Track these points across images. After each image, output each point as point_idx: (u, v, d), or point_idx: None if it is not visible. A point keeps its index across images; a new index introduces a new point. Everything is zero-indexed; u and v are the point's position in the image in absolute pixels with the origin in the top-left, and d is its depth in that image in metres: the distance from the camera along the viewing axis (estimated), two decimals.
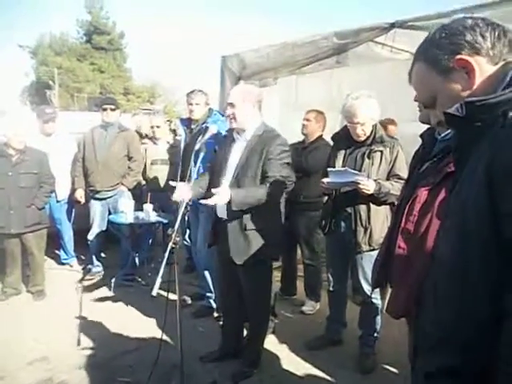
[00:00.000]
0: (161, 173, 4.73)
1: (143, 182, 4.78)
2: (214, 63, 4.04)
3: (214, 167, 2.78)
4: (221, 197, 2.34)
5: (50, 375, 2.80)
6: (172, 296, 2.43)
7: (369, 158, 2.73)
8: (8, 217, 3.82)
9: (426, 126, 1.72)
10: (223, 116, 3.63)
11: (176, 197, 2.56)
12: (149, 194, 4.29)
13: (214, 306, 3.70)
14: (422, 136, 1.72)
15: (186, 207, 2.51)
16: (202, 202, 2.38)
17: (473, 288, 0.82)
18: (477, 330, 0.82)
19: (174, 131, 5.17)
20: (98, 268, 4.70)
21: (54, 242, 4.75)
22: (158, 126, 4.74)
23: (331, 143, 3.10)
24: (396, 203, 1.93)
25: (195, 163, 2.56)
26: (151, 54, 52.71)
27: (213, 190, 2.34)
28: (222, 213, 2.66)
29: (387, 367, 2.89)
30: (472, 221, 0.83)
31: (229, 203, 2.38)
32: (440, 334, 0.89)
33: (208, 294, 3.73)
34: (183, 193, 2.53)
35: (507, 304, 0.77)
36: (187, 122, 3.79)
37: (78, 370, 2.87)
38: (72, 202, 4.76)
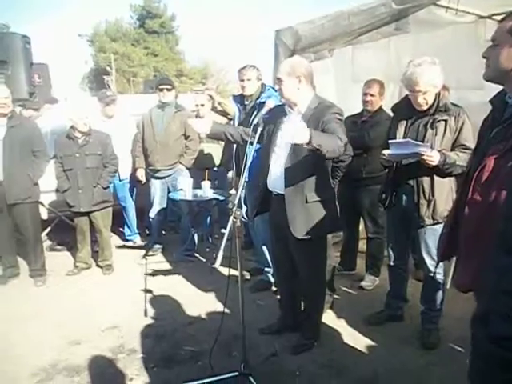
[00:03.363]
0: (206, 150, 4.79)
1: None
2: (268, 38, 3.98)
3: (266, 140, 2.77)
4: (301, 133, 2.17)
5: (121, 342, 2.99)
6: (232, 271, 2.50)
7: (432, 127, 2.60)
8: (77, 196, 4.07)
9: (492, 93, 1.61)
10: (276, 91, 3.60)
11: (196, 127, 2.87)
12: (206, 172, 4.37)
13: (272, 280, 3.76)
14: (491, 101, 1.61)
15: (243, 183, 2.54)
16: (288, 140, 2.25)
17: None
18: None
19: (224, 113, 5.08)
20: (159, 244, 4.90)
21: (118, 220, 5.00)
22: (202, 105, 4.76)
23: (391, 114, 2.99)
24: (463, 173, 1.84)
25: (252, 139, 2.55)
26: (202, 35, 52.99)
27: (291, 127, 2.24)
28: (276, 186, 2.66)
29: (451, 344, 2.81)
30: None
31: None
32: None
33: (266, 269, 3.79)
34: (201, 126, 2.81)
35: None
36: (240, 99, 3.78)
37: (146, 338, 3.04)
38: (133, 181, 4.96)
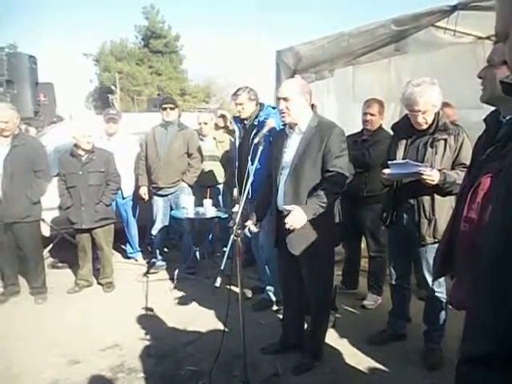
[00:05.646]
0: (208, 168, 4.81)
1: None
2: (269, 58, 4.06)
3: (270, 164, 2.82)
4: (296, 219, 2.44)
5: (121, 361, 2.96)
6: (233, 289, 2.49)
7: (432, 146, 2.62)
8: (80, 213, 4.08)
9: (490, 111, 1.64)
10: (274, 109, 3.63)
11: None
12: (208, 190, 4.40)
13: (274, 298, 3.73)
14: (485, 120, 1.64)
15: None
16: (287, 225, 2.45)
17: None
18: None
19: (230, 131, 5.18)
20: (161, 262, 4.89)
21: (120, 238, 5.00)
22: (205, 123, 4.83)
23: (391, 133, 3.02)
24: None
25: (253, 158, 2.57)
26: (206, 55, 53.86)
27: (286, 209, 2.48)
28: (282, 206, 2.69)
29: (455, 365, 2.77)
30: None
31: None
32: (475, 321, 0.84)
33: (268, 287, 3.77)
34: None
35: None
36: (240, 120, 3.82)
37: (146, 357, 3.01)
38: (136, 198, 4.99)
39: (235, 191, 3.83)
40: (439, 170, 2.52)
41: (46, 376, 2.79)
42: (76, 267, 4.50)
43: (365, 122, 3.63)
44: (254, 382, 2.47)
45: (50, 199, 4.29)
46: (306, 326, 3.07)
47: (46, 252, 4.82)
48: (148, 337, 3.30)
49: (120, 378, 2.78)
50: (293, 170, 2.61)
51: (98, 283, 4.43)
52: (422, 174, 2.49)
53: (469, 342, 0.86)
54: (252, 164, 2.75)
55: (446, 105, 3.66)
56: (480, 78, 1.54)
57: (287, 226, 2.43)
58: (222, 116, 5.15)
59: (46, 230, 4.78)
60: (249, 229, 3.85)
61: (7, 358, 2.99)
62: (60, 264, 5.04)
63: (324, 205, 2.48)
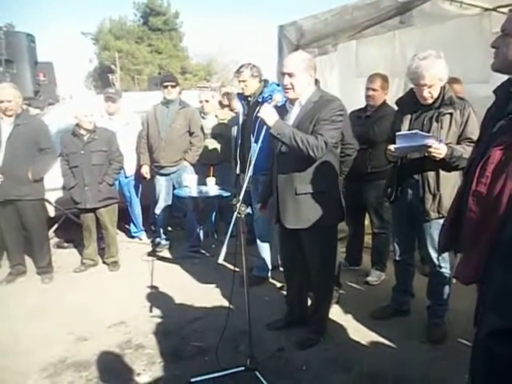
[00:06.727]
0: (210, 146, 4.75)
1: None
2: (272, 34, 3.99)
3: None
4: (268, 112, 2.43)
5: (128, 338, 3.01)
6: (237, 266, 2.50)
7: (437, 121, 2.58)
8: (83, 193, 4.08)
9: (497, 85, 1.60)
10: (279, 85, 3.58)
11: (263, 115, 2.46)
12: (211, 168, 4.37)
13: (269, 266, 3.81)
14: (495, 91, 1.60)
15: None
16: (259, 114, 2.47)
17: None
18: None
19: (229, 107, 5.13)
20: (165, 241, 4.92)
21: (123, 217, 5.01)
22: (206, 101, 4.77)
23: (396, 108, 2.97)
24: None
25: (259, 134, 2.52)
26: (206, 32, 53.03)
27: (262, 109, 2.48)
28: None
29: (458, 338, 2.80)
30: None
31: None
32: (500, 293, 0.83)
33: (258, 262, 3.86)
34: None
35: None
36: (243, 96, 3.78)
37: (152, 334, 3.05)
38: (138, 178, 4.98)
39: (237, 168, 3.79)
40: (446, 144, 2.49)
41: (55, 353, 2.84)
42: (81, 247, 4.54)
43: (367, 97, 3.57)
44: (259, 357, 2.50)
45: (54, 179, 4.30)
46: (310, 302, 3.10)
47: (51, 232, 4.86)
48: (154, 314, 3.34)
49: (127, 354, 2.83)
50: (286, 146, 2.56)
51: (104, 262, 4.47)
52: (429, 147, 2.45)
53: (495, 314, 0.85)
54: (256, 142, 2.71)
55: (454, 80, 3.59)
56: (493, 47, 1.49)
57: (259, 115, 2.46)
58: (226, 94, 5.07)
59: (50, 211, 4.80)
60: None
61: (16, 336, 3.05)
62: (65, 244, 5.08)
63: (293, 140, 2.40)
